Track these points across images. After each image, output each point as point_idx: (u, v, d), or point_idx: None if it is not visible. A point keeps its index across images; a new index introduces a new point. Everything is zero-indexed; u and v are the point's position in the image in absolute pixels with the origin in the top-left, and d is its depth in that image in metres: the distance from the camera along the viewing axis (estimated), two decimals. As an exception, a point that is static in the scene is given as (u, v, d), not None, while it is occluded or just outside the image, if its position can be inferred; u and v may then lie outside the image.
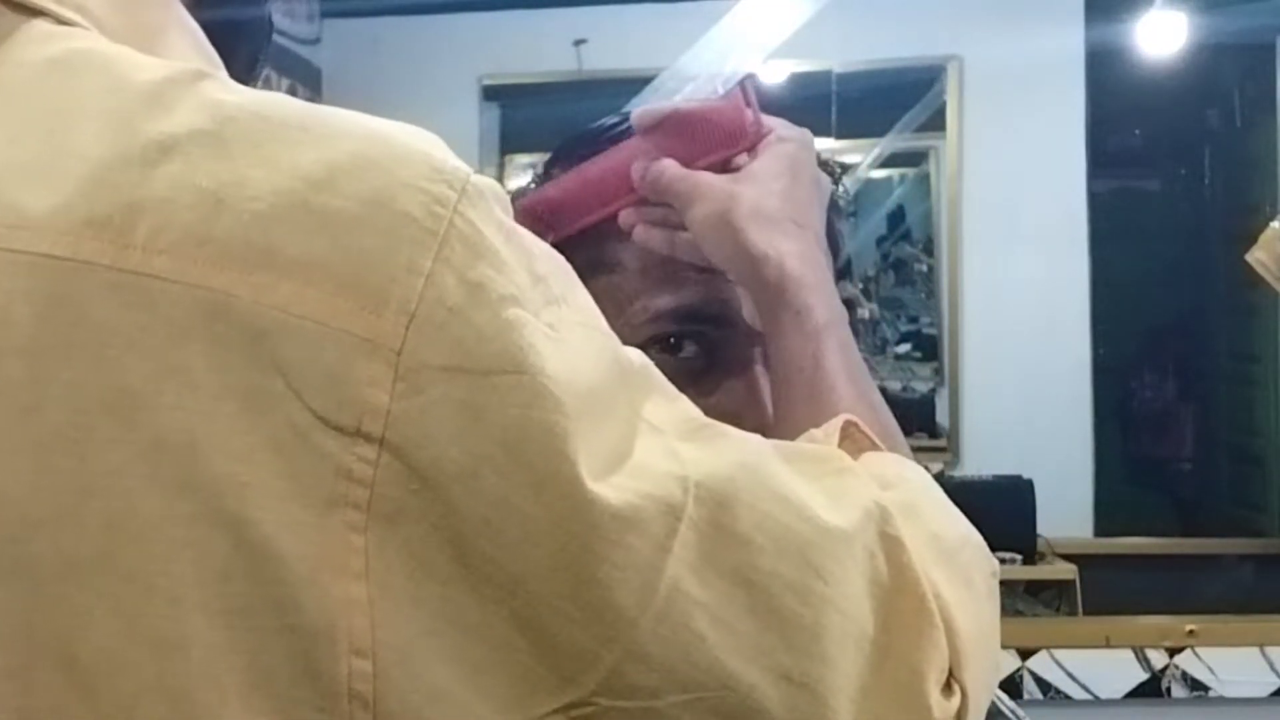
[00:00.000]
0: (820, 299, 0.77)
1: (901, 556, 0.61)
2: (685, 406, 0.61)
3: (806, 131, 0.85)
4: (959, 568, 0.65)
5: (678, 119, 0.85)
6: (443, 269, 0.52)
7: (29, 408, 0.51)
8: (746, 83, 0.84)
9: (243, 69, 0.65)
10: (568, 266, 0.59)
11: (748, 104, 0.83)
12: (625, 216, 0.84)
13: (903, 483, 0.68)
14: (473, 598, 0.52)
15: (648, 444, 0.56)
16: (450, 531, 0.51)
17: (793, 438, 0.70)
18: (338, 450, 0.51)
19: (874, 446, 0.71)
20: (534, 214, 0.85)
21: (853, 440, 0.70)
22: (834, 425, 0.70)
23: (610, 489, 0.53)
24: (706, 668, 0.54)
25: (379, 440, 0.51)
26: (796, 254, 0.78)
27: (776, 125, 0.84)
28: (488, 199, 0.55)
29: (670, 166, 0.83)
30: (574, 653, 0.53)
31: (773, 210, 0.79)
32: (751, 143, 0.83)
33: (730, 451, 0.59)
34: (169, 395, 0.50)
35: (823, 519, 0.59)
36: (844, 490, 0.62)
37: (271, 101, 0.56)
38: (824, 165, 0.88)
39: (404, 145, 0.55)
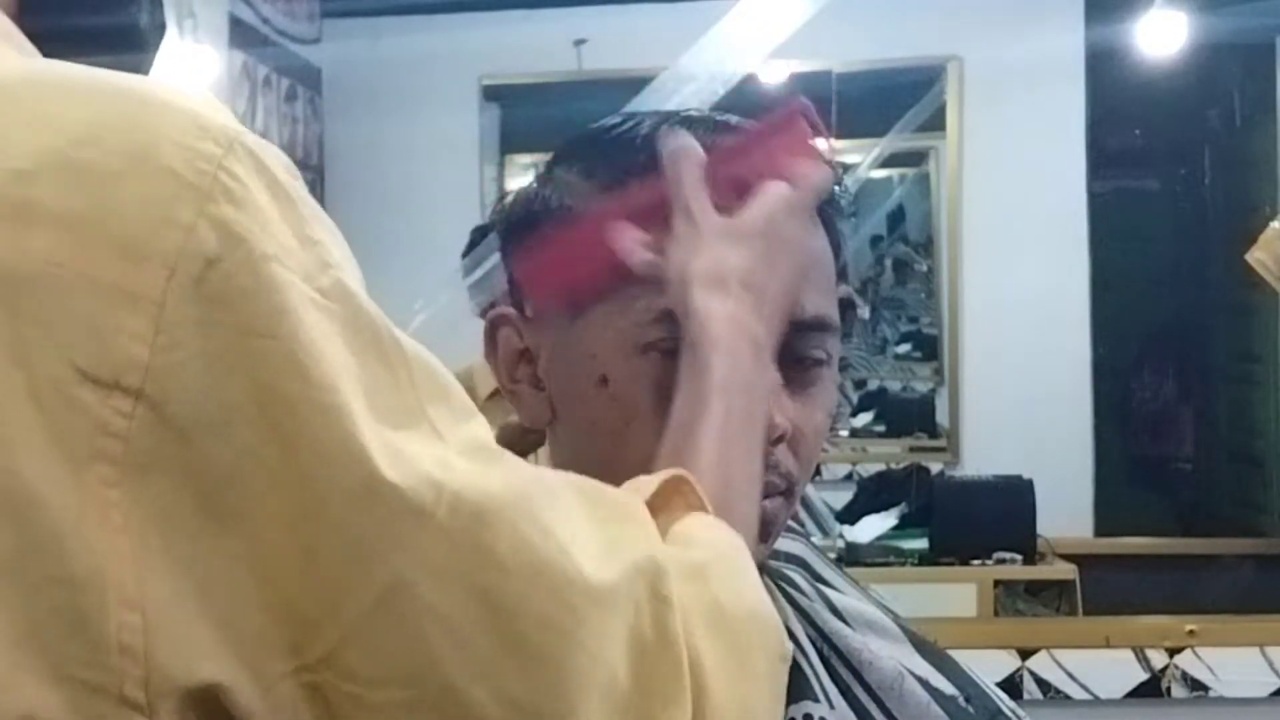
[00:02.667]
0: (725, 363, 0.76)
1: (666, 617, 0.61)
2: (477, 429, 0.60)
3: (804, 191, 0.82)
4: (736, 641, 0.64)
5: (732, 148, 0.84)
6: (204, 224, 0.53)
7: None
8: (802, 109, 0.83)
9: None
10: (347, 249, 0.59)
11: (811, 125, 0.83)
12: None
13: (707, 546, 0.67)
14: (218, 554, 0.52)
15: (423, 447, 0.56)
16: (200, 483, 0.52)
17: None
18: (95, 404, 0.51)
19: (702, 508, 0.70)
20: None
21: (683, 496, 0.70)
22: (661, 475, 0.70)
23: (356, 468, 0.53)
24: (429, 671, 0.54)
25: (136, 393, 0.51)
26: (724, 316, 0.77)
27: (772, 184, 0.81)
28: (259, 158, 0.56)
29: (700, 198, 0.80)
30: (301, 620, 0.53)
31: (727, 270, 0.78)
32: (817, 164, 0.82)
33: (507, 476, 0.58)
34: None
35: (588, 562, 0.58)
36: (624, 539, 0.62)
37: (48, 68, 0.57)
38: (826, 165, 0.87)
39: (172, 104, 0.55)
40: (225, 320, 0.52)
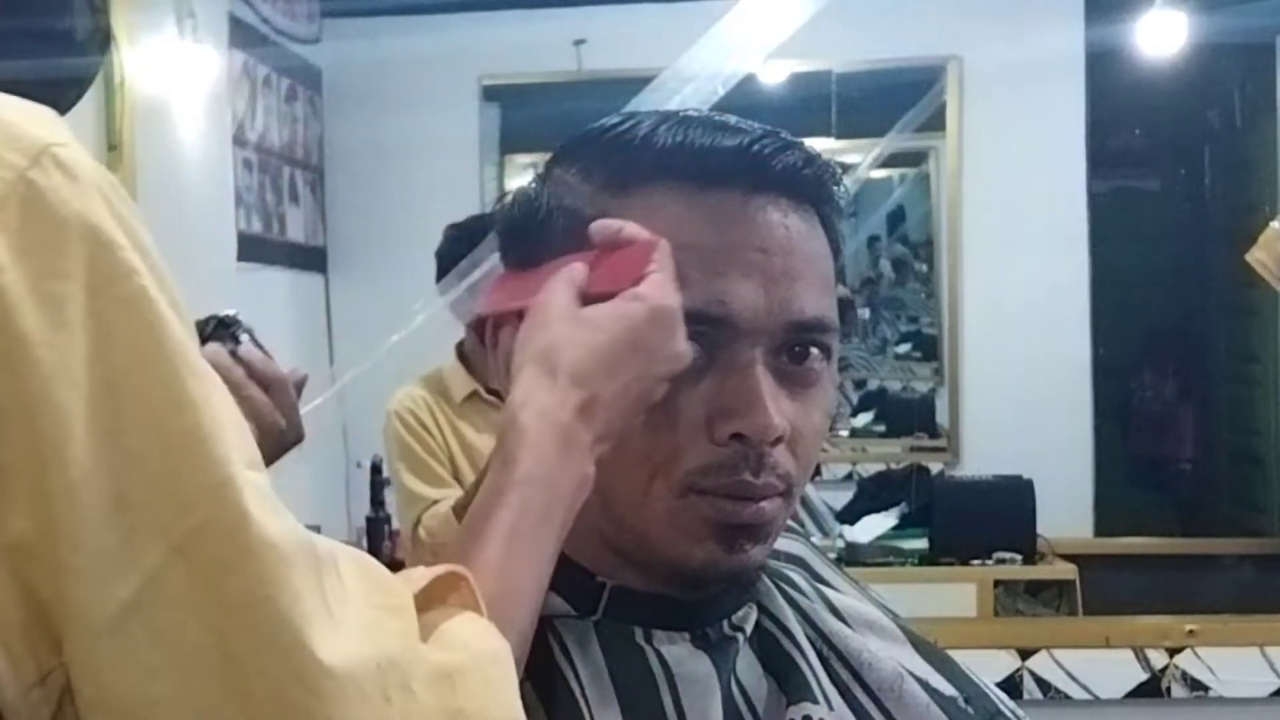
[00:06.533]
0: (530, 456, 0.75)
1: (415, 716, 0.61)
2: (261, 478, 0.60)
3: (670, 303, 0.79)
4: None
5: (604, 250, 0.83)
6: None
7: None
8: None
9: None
10: (156, 253, 0.60)
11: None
12: None
13: (465, 651, 0.66)
14: None
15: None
16: None
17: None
18: None
19: (477, 609, 0.70)
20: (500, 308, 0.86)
21: (460, 594, 0.70)
22: (437, 570, 0.70)
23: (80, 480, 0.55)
24: (147, 703, 0.56)
25: None
26: (539, 409, 0.76)
27: (652, 288, 0.79)
28: (76, 175, 0.57)
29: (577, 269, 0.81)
30: (55, 623, 0.55)
31: (560, 361, 0.77)
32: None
33: (280, 531, 0.59)
34: None
35: (337, 639, 0.59)
36: (385, 628, 0.62)
37: None
38: (825, 166, 0.87)
39: None
40: None
